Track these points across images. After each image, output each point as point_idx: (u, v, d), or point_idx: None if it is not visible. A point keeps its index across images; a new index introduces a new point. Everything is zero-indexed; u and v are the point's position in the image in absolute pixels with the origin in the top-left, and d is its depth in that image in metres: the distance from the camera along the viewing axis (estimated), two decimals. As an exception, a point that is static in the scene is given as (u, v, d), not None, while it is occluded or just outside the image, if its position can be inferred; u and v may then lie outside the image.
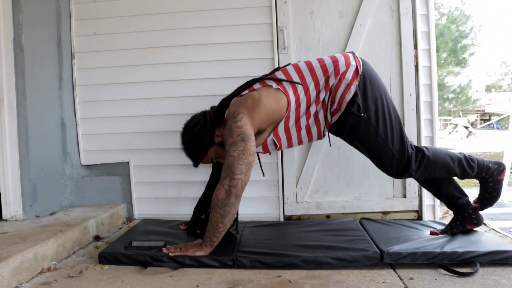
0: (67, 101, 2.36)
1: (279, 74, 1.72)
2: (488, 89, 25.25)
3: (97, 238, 2.04)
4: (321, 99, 1.68)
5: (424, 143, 2.23)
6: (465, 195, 1.81)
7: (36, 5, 2.13)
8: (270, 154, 1.91)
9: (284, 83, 1.67)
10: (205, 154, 1.74)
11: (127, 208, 2.44)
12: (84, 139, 2.43)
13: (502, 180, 1.74)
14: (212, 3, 2.30)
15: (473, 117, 18.51)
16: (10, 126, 2.03)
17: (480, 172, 1.74)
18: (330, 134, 1.88)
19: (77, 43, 2.40)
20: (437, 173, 1.74)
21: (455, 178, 1.82)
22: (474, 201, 1.80)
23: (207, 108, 1.81)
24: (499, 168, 1.74)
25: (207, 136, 1.70)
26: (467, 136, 12.49)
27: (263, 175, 2.04)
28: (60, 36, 2.32)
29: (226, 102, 1.77)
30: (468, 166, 1.73)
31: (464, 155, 1.76)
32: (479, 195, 1.79)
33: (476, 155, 1.83)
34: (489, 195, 1.75)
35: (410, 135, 2.23)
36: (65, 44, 2.35)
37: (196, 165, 1.79)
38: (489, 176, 1.74)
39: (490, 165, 1.74)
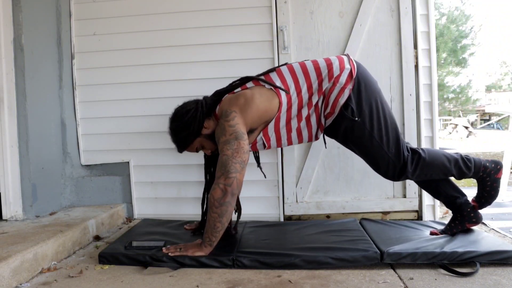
0: (67, 101, 2.36)
1: (273, 75, 1.72)
2: (488, 89, 25.23)
3: (97, 238, 2.04)
4: (314, 102, 1.68)
5: (424, 143, 2.23)
6: (463, 194, 1.81)
7: (36, 5, 2.13)
8: (258, 151, 1.91)
9: (277, 83, 1.68)
10: (190, 143, 1.74)
11: (127, 208, 2.44)
12: (84, 139, 2.43)
13: (499, 178, 1.74)
14: (212, 3, 2.30)
15: (473, 117, 18.50)
16: (10, 126, 2.03)
17: (477, 171, 1.74)
18: (325, 136, 1.88)
19: (77, 43, 2.40)
20: (434, 174, 1.74)
21: (452, 178, 1.82)
22: (473, 200, 1.81)
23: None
24: (496, 167, 1.74)
25: (195, 127, 1.70)
26: (467, 136, 12.48)
27: (265, 177, 2.04)
28: (60, 36, 2.32)
29: (219, 95, 1.77)
30: (465, 167, 1.73)
31: (461, 156, 1.76)
32: (477, 194, 1.79)
33: (476, 155, 1.83)
34: (487, 194, 1.75)
35: (410, 135, 2.24)
36: (65, 44, 2.35)
37: (180, 151, 1.80)
38: (486, 175, 1.74)
39: (487, 164, 1.74)
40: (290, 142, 1.79)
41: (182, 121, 1.71)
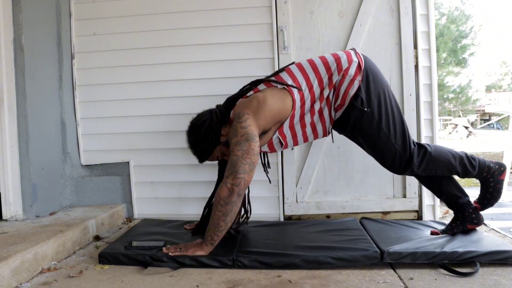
0: (67, 101, 2.36)
1: (284, 75, 1.73)
2: (488, 89, 25.24)
3: (97, 238, 2.04)
4: (325, 96, 1.70)
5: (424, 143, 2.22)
6: (466, 195, 1.82)
7: (36, 5, 2.13)
8: (276, 152, 1.91)
9: (289, 82, 1.69)
10: (211, 153, 1.76)
11: (127, 208, 2.44)
12: (84, 139, 2.43)
13: (503, 180, 1.75)
14: (212, 3, 2.30)
15: (473, 117, 18.50)
16: (10, 126, 2.03)
17: (481, 171, 1.75)
18: (333, 131, 1.88)
19: (77, 43, 2.40)
20: (439, 170, 1.75)
21: (456, 178, 1.82)
22: (475, 201, 1.81)
23: (208, 107, 1.82)
24: (500, 169, 1.75)
25: (213, 136, 1.72)
26: (467, 136, 12.47)
27: (270, 182, 2.05)
28: (60, 36, 2.32)
29: (231, 101, 1.78)
30: (469, 165, 1.73)
31: (466, 154, 1.76)
32: (480, 195, 1.79)
33: (476, 155, 1.83)
34: (490, 195, 1.76)
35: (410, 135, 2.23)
36: (65, 44, 2.35)
37: (201, 162, 1.82)
38: (490, 176, 1.74)
39: (491, 165, 1.75)
40: (305, 139, 1.79)
41: (199, 133, 1.72)
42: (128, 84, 2.38)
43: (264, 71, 2.19)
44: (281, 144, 1.77)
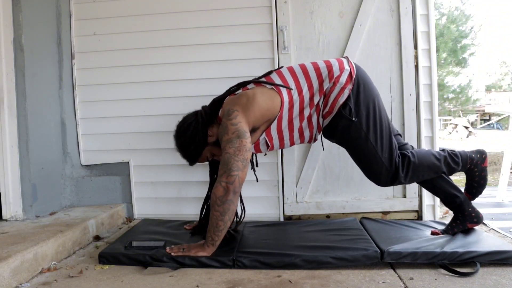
0: (67, 101, 2.36)
1: (274, 76, 1.73)
2: (488, 89, 25.26)
3: (97, 238, 2.04)
4: (315, 102, 1.69)
5: (424, 143, 2.23)
6: (461, 193, 1.82)
7: (36, 5, 2.13)
8: (263, 154, 1.91)
9: (278, 83, 1.69)
10: (200, 155, 1.76)
11: (127, 208, 2.44)
12: (84, 139, 2.43)
13: (486, 167, 1.78)
14: (212, 3, 2.30)
15: (473, 117, 18.51)
16: (10, 126, 2.03)
17: (464, 164, 1.78)
18: (323, 138, 1.89)
19: (77, 43, 2.40)
20: (426, 175, 1.76)
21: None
22: (465, 192, 1.83)
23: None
24: (482, 156, 1.78)
25: (200, 138, 1.71)
26: (467, 136, 12.48)
27: (257, 181, 2.05)
28: (60, 36, 2.32)
29: (217, 102, 1.78)
30: (453, 162, 1.76)
31: (448, 152, 1.78)
32: (467, 185, 1.83)
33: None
34: (477, 184, 1.79)
35: (410, 135, 2.24)
36: (65, 44, 2.35)
37: (191, 165, 1.81)
38: (474, 167, 1.78)
39: (473, 155, 1.78)
40: (292, 142, 1.79)
41: (186, 135, 1.72)
42: (128, 84, 2.38)
43: (264, 71, 2.18)
44: (267, 145, 1.77)
